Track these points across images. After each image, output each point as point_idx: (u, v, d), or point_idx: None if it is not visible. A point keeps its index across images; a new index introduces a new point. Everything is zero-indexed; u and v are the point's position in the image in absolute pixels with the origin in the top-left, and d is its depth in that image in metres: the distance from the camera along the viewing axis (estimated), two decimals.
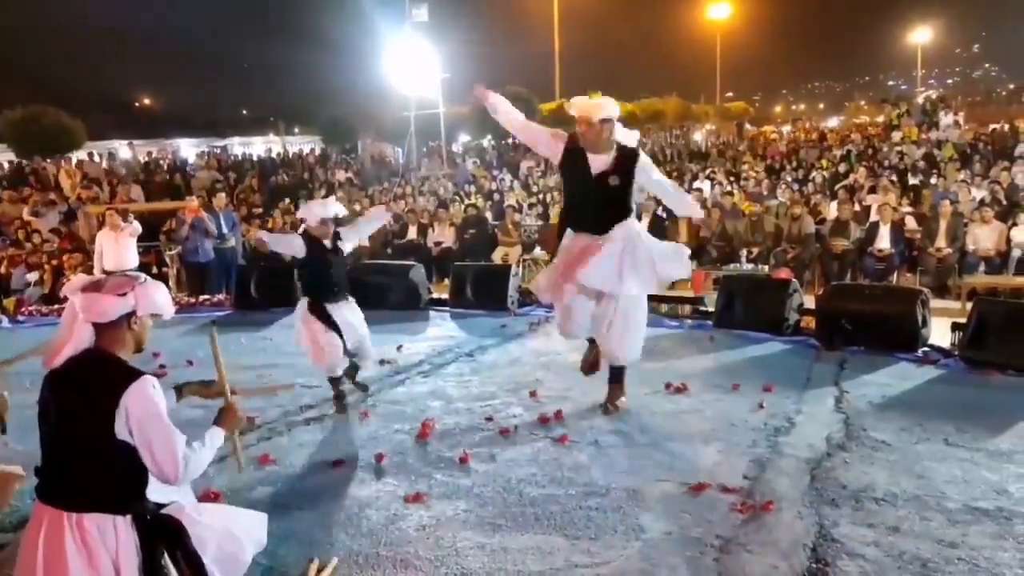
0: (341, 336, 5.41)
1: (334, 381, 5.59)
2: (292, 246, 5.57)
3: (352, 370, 5.79)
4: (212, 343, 2.80)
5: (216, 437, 2.58)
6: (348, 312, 5.52)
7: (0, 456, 3.06)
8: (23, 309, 10.17)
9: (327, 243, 5.47)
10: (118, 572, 2.32)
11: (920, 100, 31.58)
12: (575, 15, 41.54)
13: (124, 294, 2.42)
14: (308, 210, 5.66)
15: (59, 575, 2.29)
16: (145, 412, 2.32)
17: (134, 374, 2.37)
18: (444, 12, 31.43)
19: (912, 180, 15.52)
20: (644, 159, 5.04)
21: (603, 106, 4.84)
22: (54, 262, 11.32)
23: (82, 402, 2.34)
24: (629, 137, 5.00)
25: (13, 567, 2.53)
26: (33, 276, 11.03)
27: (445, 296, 9.78)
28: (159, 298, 2.52)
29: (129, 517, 2.36)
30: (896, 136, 22.91)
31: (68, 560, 2.28)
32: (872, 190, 13.69)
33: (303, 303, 5.52)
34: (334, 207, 5.64)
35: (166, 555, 2.37)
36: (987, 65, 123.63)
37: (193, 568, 2.39)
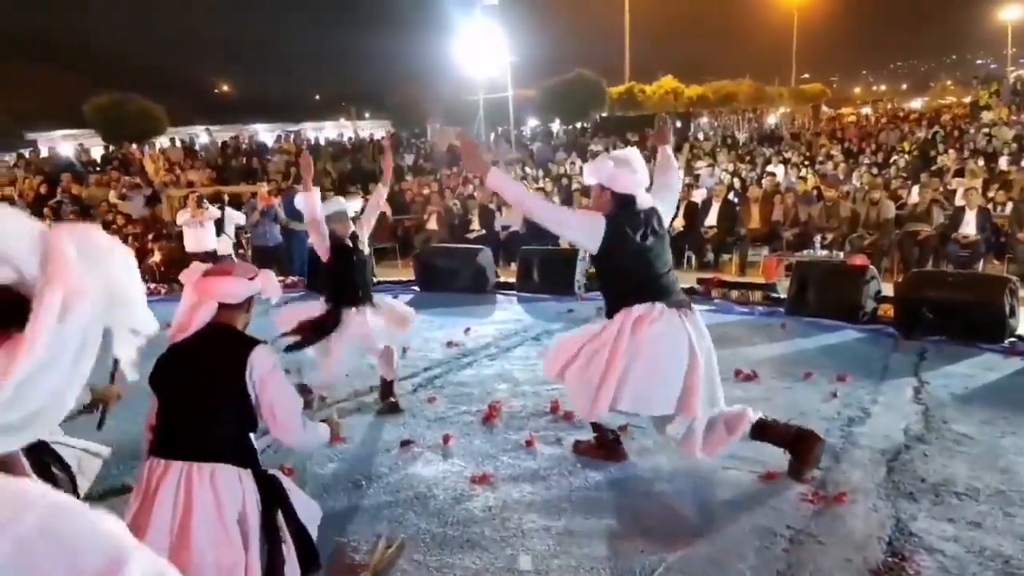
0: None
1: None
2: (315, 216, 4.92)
3: (385, 391, 5.33)
4: None
5: (323, 430, 2.82)
6: (371, 316, 5.02)
7: (90, 437, 3.16)
8: None
9: (348, 243, 5.05)
10: (243, 525, 2.38)
11: (1011, 80, 30.02)
12: None
13: (253, 278, 2.65)
14: (326, 207, 5.02)
15: (186, 527, 2.32)
16: (267, 370, 2.51)
17: (257, 340, 2.60)
18: None
19: (1002, 164, 14.82)
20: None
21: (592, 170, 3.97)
22: (137, 244, 11.81)
23: (214, 361, 2.52)
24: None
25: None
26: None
27: (512, 280, 9.83)
28: (276, 284, 2.78)
29: (250, 471, 2.47)
30: (986, 117, 21.87)
31: (196, 510, 2.32)
32: (958, 173, 13.13)
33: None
34: (354, 204, 5.28)
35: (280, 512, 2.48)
36: None
37: (294, 527, 2.50)
